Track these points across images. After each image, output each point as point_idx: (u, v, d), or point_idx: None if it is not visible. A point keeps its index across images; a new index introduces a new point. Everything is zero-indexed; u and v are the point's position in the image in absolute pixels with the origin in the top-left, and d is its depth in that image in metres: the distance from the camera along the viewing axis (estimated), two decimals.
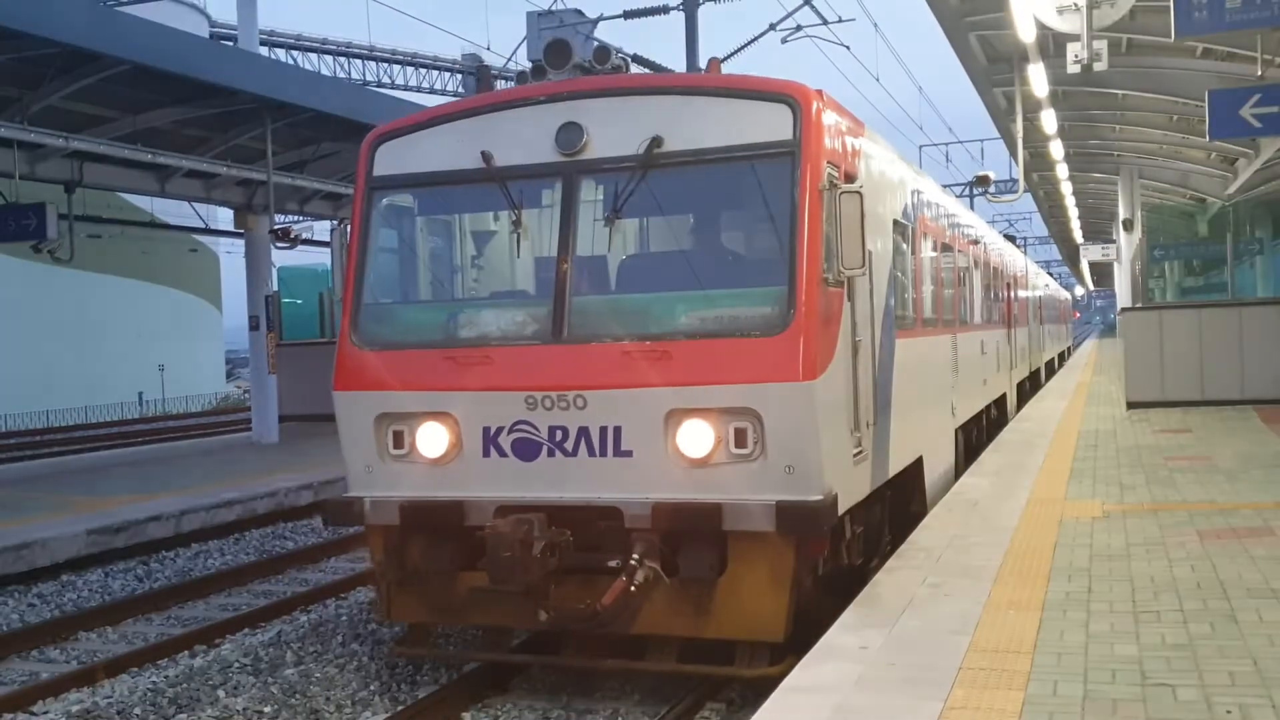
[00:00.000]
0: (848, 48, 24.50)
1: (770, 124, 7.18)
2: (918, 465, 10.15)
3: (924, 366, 10.76)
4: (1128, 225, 28.99)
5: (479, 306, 8.20)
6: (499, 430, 7.32)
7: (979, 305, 15.82)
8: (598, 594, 6.86)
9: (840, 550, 7.71)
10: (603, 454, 7.10)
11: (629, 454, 7.06)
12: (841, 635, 6.17)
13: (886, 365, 8.78)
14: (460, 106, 8.20)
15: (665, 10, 23.48)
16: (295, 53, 50.64)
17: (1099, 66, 12.28)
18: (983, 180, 28.46)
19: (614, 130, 7.46)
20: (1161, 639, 5.83)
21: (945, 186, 18.09)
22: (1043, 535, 8.66)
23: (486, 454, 7.37)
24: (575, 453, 7.15)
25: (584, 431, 7.13)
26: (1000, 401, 18.28)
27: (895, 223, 9.55)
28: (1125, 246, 29.97)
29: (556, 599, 7.04)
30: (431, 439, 7.53)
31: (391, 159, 8.13)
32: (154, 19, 17.79)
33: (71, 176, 19.09)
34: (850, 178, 7.76)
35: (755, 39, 23.45)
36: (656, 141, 7.32)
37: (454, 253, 8.77)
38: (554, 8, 20.27)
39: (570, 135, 7.51)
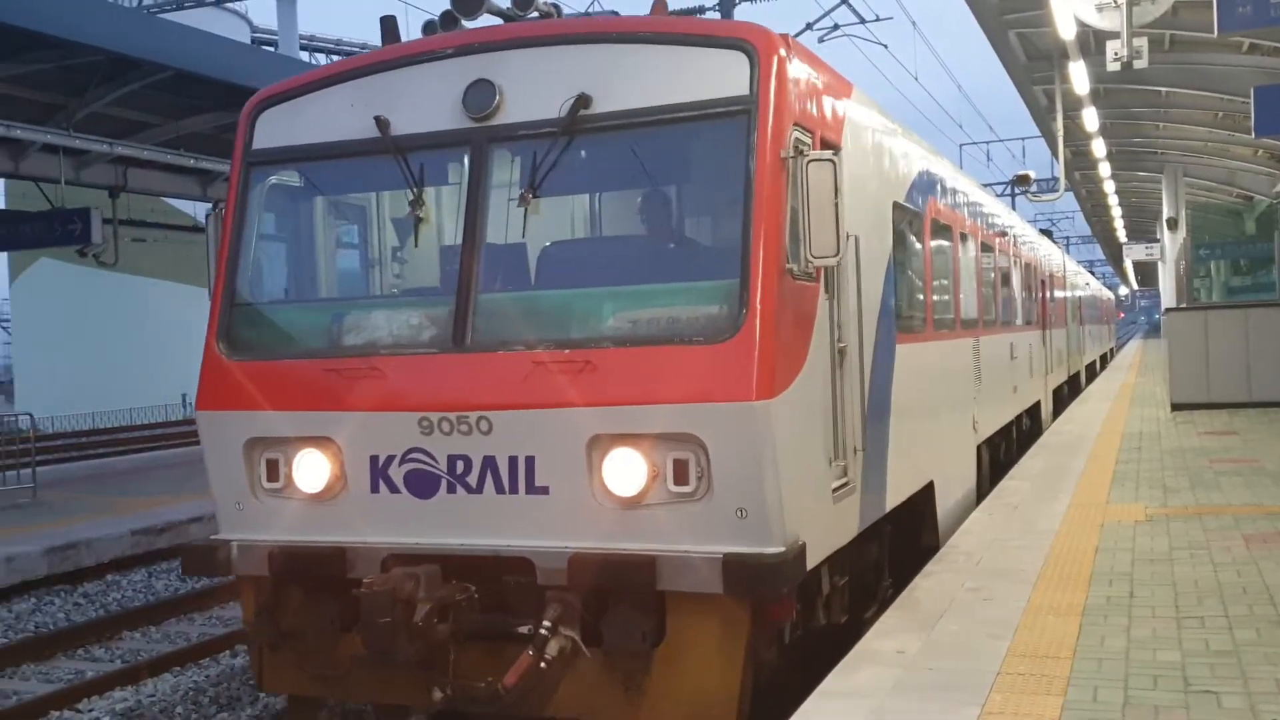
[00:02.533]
0: (885, 46, 24.38)
1: (722, 76, 5.90)
2: (927, 492, 8.89)
3: (936, 375, 9.48)
4: (1172, 224, 28.62)
5: (368, 307, 6.85)
6: (389, 460, 6.09)
7: (1008, 304, 14.52)
8: (507, 665, 5.62)
9: (815, 608, 6.48)
10: (512, 490, 5.86)
11: (544, 491, 5.82)
12: (878, 640, 6.12)
13: (883, 376, 7.57)
14: (356, 64, 6.85)
15: (701, 11, 23.47)
16: (335, 58, 51.18)
17: (1139, 64, 12.14)
18: (1023, 179, 28.21)
19: (534, 88, 6.18)
20: (1205, 645, 5.73)
21: (985, 185, 17.87)
22: (1084, 539, 8.56)
23: (375, 489, 6.14)
24: (480, 488, 5.92)
25: (490, 462, 5.89)
26: (1034, 410, 17.25)
27: (897, 207, 8.23)
28: (1170, 245, 29.58)
29: (461, 669, 5.83)
30: (310, 470, 6.31)
31: (274, 128, 6.84)
32: (196, 25, 18.03)
33: (115, 181, 19.44)
34: (829, 146, 6.49)
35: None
36: (583, 101, 6.04)
37: (342, 242, 7.43)
38: (590, 10, 20.34)
39: (480, 95, 6.24)
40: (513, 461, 5.86)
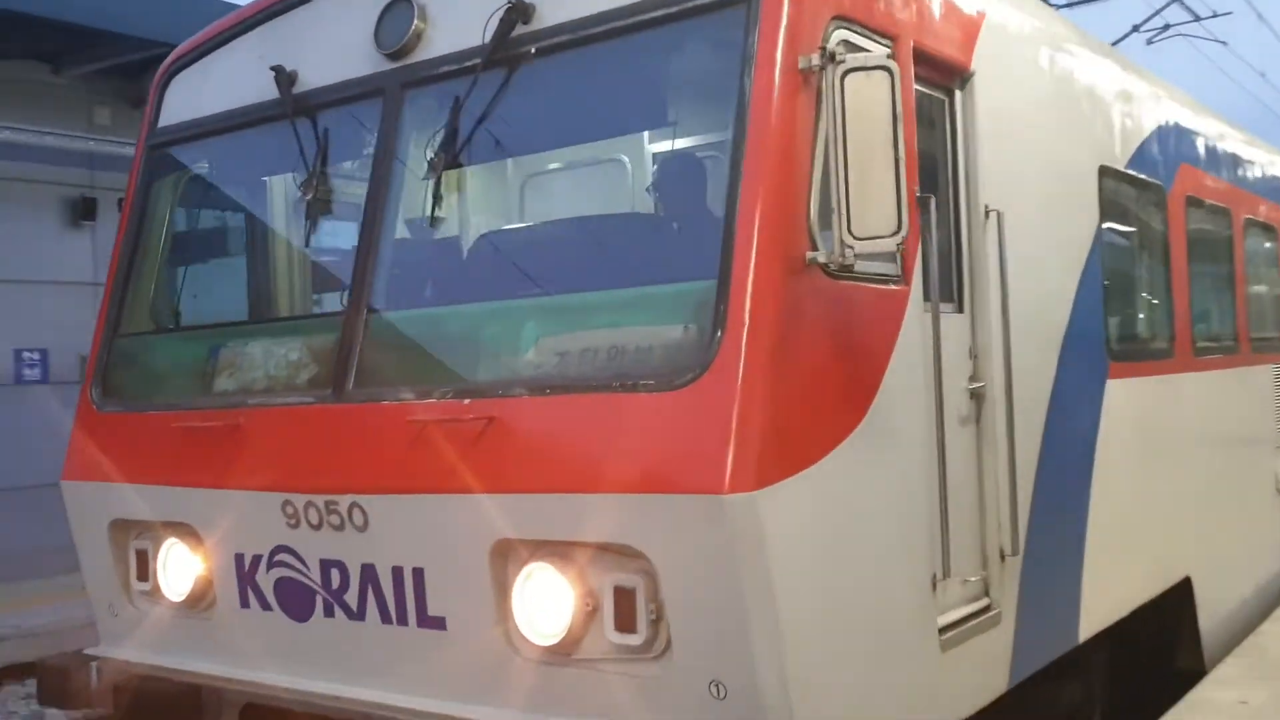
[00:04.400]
0: (1225, 44, 22.39)
1: None
2: (1181, 593, 6.45)
3: (1198, 421, 6.88)
4: None
5: (245, 336, 5.10)
6: (255, 561, 4.49)
7: None
8: None
9: None
10: (400, 620, 4.09)
11: (439, 624, 4.04)
12: (1216, 689, 5.57)
13: (1073, 429, 5.31)
14: (263, 5, 5.21)
15: None
16: None
17: None
18: None
19: (467, 5, 4.38)
20: None
21: None
22: None
23: (244, 602, 4.54)
24: (361, 613, 4.19)
25: (370, 574, 4.15)
26: None
27: (1110, 175, 5.91)
28: None
29: None
30: (175, 568, 4.81)
31: (183, 98, 5.35)
32: None
33: None
34: (939, 66, 4.40)
35: (1116, 42, 22.00)
36: (518, 11, 4.15)
37: (233, 245, 5.79)
38: None
39: (394, 24, 4.52)
40: (397, 575, 4.09)
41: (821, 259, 3.68)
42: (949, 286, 4.49)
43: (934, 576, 4.13)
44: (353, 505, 4.11)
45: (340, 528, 4.17)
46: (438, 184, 4.40)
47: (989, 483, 4.58)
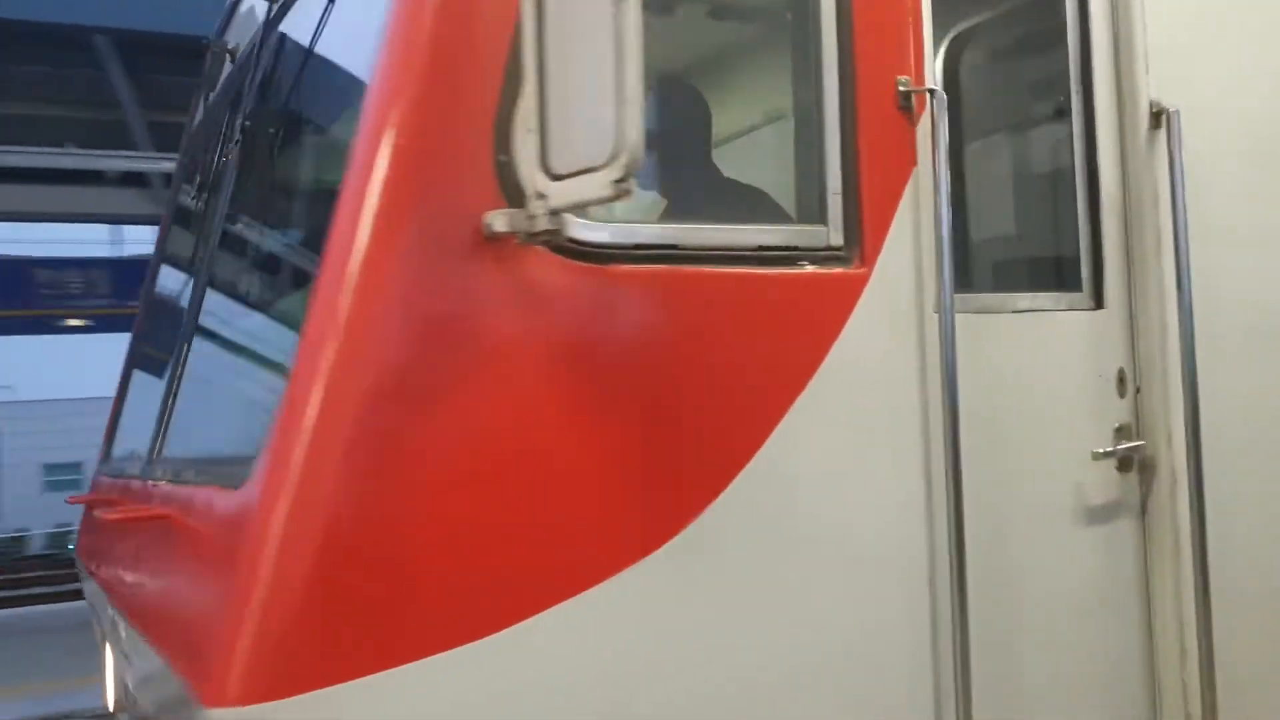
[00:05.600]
0: None
1: None
2: None
3: None
4: None
5: (152, 385, 3.95)
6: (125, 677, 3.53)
7: None
8: None
9: None
10: None
11: None
12: None
13: None
14: None
15: None
16: None
17: None
18: None
19: None
20: None
21: None
22: None
23: None
24: None
25: None
26: None
27: None
28: None
29: None
30: (107, 672, 3.85)
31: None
32: None
33: None
34: None
35: None
36: None
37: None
38: None
39: None
40: None
41: (500, 226, 1.96)
42: (1052, 262, 2.59)
43: None
44: (124, 623, 2.89)
45: (127, 655, 2.92)
46: (223, 160, 3.17)
47: (1163, 620, 2.59)
